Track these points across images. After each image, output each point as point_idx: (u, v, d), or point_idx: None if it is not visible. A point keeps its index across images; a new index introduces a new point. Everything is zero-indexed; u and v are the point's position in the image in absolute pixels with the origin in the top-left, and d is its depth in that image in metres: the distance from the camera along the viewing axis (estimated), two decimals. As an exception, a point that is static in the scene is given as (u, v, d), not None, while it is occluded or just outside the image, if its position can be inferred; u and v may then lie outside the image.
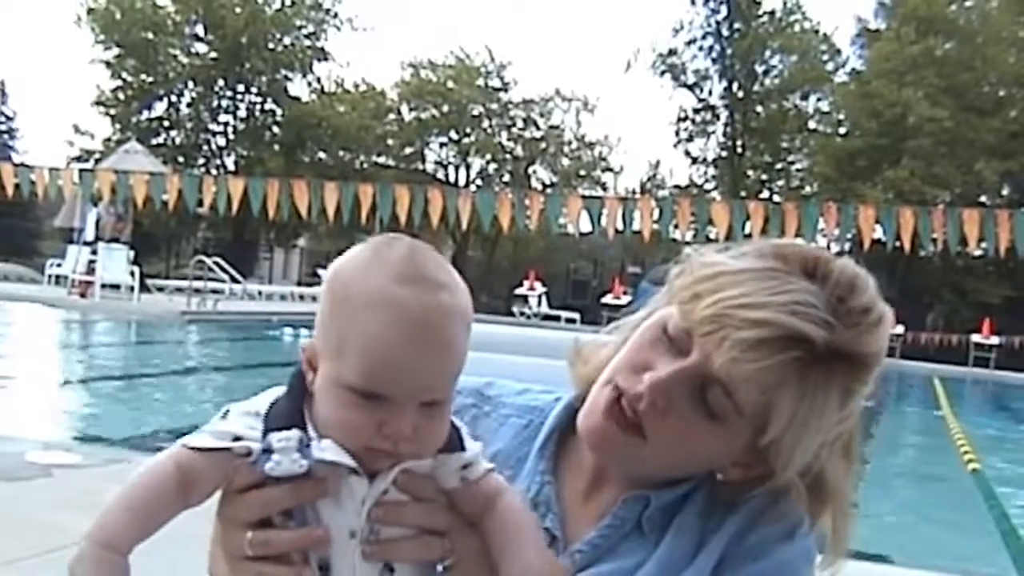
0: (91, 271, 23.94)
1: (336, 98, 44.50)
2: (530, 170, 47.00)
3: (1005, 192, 36.86)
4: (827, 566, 1.18)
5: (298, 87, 44.70)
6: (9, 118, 49.21)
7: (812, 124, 42.87)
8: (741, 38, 41.98)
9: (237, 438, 1.02)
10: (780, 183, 43.14)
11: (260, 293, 30.75)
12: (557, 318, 32.19)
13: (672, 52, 43.12)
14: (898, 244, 17.34)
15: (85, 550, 0.98)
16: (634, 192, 43.57)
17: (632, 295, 29.73)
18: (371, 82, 46.14)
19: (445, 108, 45.08)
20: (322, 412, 1.03)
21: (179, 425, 9.01)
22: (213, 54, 42.19)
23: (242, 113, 44.30)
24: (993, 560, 6.51)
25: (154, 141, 40.08)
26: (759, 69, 42.83)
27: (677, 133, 44.11)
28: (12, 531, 4.55)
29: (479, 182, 45.59)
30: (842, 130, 40.51)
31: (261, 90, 43.69)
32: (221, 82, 42.84)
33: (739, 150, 43.09)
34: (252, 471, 1.01)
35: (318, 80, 44.82)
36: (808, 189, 40.72)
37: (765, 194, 40.91)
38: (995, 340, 28.86)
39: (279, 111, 44.15)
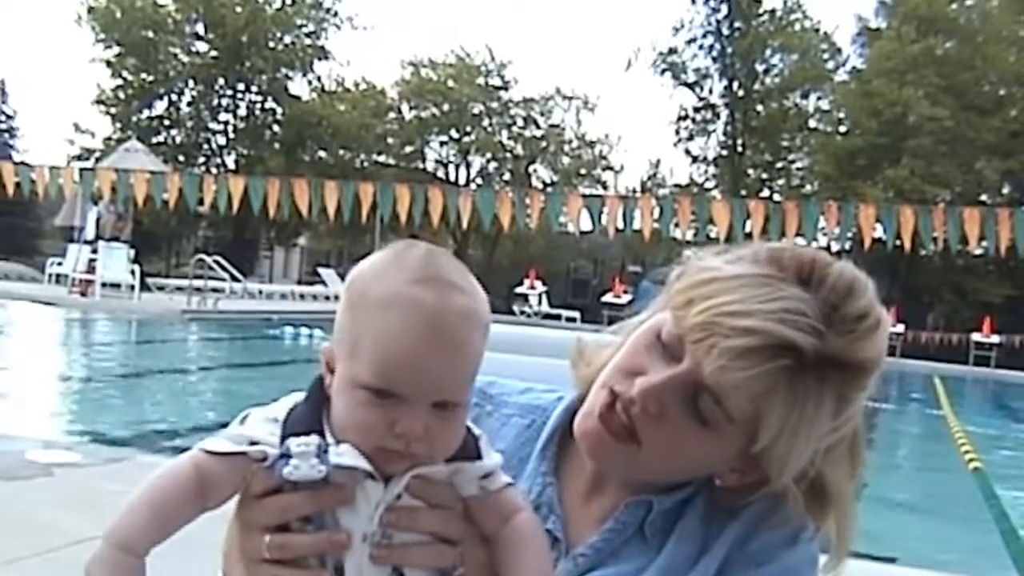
0: (91, 270, 23.94)
1: (336, 97, 44.52)
2: (530, 169, 47.02)
3: (1005, 191, 36.86)
4: (830, 569, 1.18)
5: (298, 86, 44.82)
6: (10, 117, 49.25)
7: (812, 123, 42.87)
8: (741, 37, 41.97)
9: (254, 443, 1.03)
10: (780, 182, 43.16)
11: (260, 292, 30.76)
12: (558, 317, 32.20)
13: (672, 51, 43.14)
14: (898, 243, 17.35)
15: (102, 552, 0.99)
16: (634, 191, 43.57)
17: (632, 294, 29.74)
18: (371, 81, 46.25)
19: (445, 107, 45.09)
20: (337, 413, 1.03)
21: (180, 424, 9.01)
22: (213, 53, 42.19)
23: (242, 112, 44.34)
24: (993, 559, 6.51)
25: (154, 140, 40.10)
26: (759, 68, 42.83)
27: (677, 132, 44.15)
28: (12, 530, 4.54)
29: (479, 181, 45.60)
30: (842, 129, 40.50)
31: (261, 89, 43.71)
32: (221, 81, 42.85)
33: (739, 149, 43.08)
34: (270, 476, 1.02)
35: (318, 79, 44.88)
36: (808, 188, 40.74)
37: (765, 193, 40.92)
38: (995, 339, 28.88)
39: (279, 110, 44.17)
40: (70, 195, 22.51)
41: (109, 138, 40.99)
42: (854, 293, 1.09)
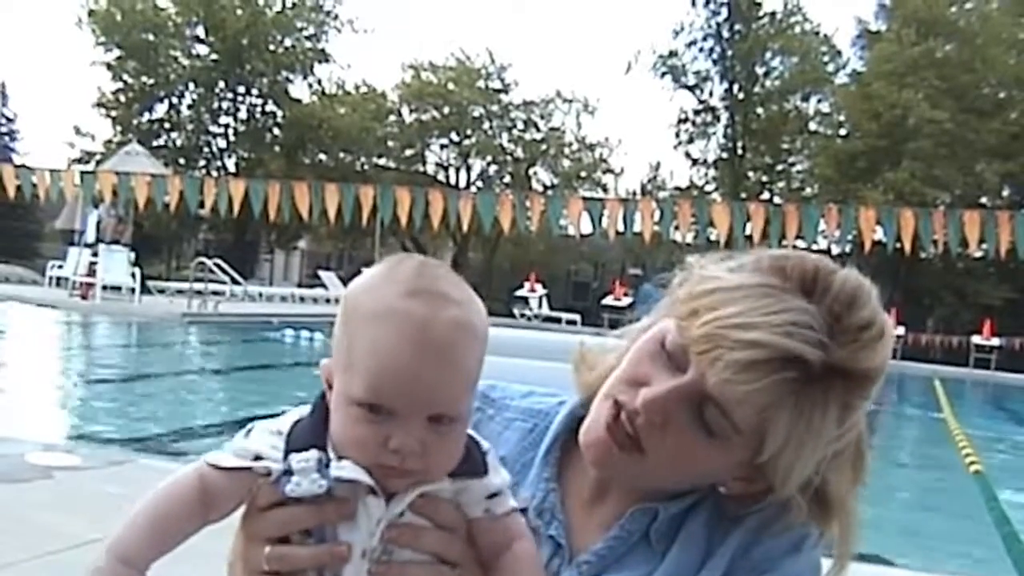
0: (92, 273, 23.93)
1: (337, 100, 44.52)
2: (531, 172, 47.02)
3: (1005, 193, 36.84)
4: (833, 575, 1.18)
5: (299, 89, 44.81)
6: (10, 120, 49.25)
7: (812, 126, 42.87)
8: (741, 40, 41.99)
9: (258, 457, 1.02)
10: (781, 185, 43.13)
11: (261, 295, 30.78)
12: (558, 320, 32.19)
13: (672, 54, 43.16)
14: (899, 246, 17.35)
15: (104, 564, 0.99)
16: (635, 194, 43.59)
17: (633, 297, 29.74)
18: (372, 84, 46.20)
19: (446, 110, 45.11)
20: (335, 430, 1.03)
21: (180, 427, 9.00)
22: (214, 56, 42.20)
23: (243, 115, 44.35)
24: (994, 561, 6.51)
25: (155, 143, 40.11)
26: (759, 71, 42.84)
27: (677, 135, 44.15)
28: (12, 533, 4.54)
29: (480, 184, 45.62)
30: (842, 132, 40.48)
31: (262, 92, 43.72)
32: (222, 84, 42.86)
33: (740, 152, 43.08)
34: (273, 490, 1.02)
35: (319, 82, 44.88)
36: (809, 191, 40.72)
37: (766, 196, 40.91)
38: (996, 341, 28.87)
39: (280, 113, 44.18)
40: (71, 198, 22.53)
41: (109, 141, 41.01)
42: (857, 302, 1.09)
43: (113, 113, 42.25)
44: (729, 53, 42.44)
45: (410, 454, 0.98)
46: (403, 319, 0.98)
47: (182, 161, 41.51)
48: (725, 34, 42.58)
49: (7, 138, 48.52)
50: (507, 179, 46.27)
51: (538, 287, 34.03)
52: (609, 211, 17.38)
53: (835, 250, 17.87)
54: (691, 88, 43.65)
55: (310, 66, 44.12)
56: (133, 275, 24.42)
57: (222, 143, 44.46)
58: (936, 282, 35.15)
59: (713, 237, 18.52)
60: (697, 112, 43.90)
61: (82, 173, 22.49)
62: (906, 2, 36.72)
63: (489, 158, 46.70)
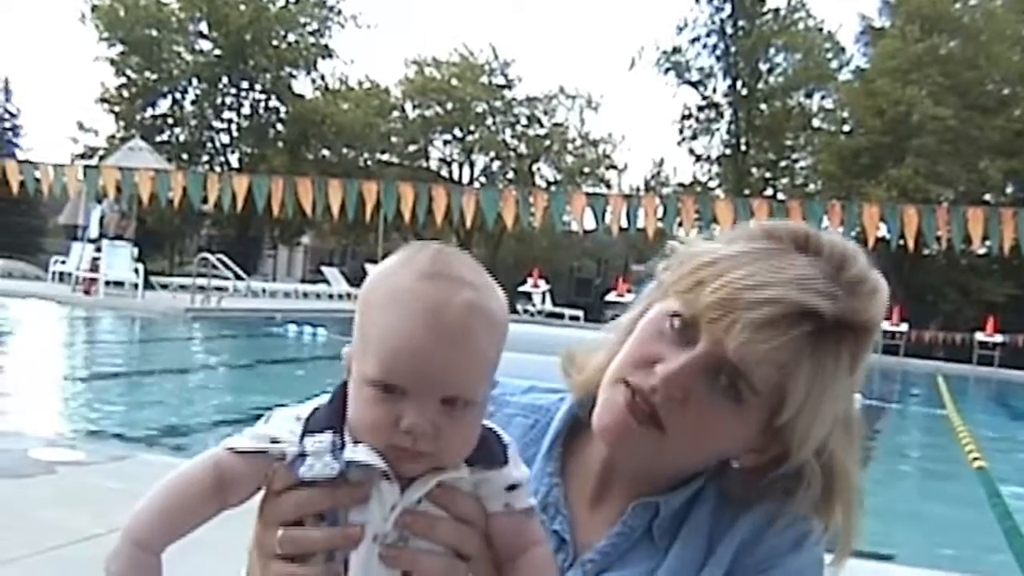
0: (95, 268, 23.97)
1: (340, 95, 44.54)
2: (534, 168, 47.02)
3: (1009, 190, 36.77)
4: (835, 563, 1.18)
5: (302, 84, 44.88)
6: (13, 115, 49.32)
7: (816, 122, 42.85)
8: (745, 36, 41.96)
9: (275, 441, 1.03)
10: (784, 181, 43.13)
11: (264, 290, 30.78)
12: (561, 316, 32.17)
13: (676, 50, 43.17)
14: (902, 242, 17.33)
15: (120, 548, 0.99)
16: (638, 190, 43.62)
17: (636, 293, 29.66)
18: (375, 79, 46.33)
19: (449, 105, 45.11)
20: (351, 413, 1.03)
21: (183, 422, 9.01)
22: (217, 51, 42.24)
23: (246, 110, 44.38)
24: (996, 558, 6.50)
25: (158, 138, 40.18)
26: (763, 67, 42.82)
27: (681, 131, 44.17)
28: (15, 528, 4.55)
29: (483, 179, 45.65)
30: (846, 128, 40.45)
31: (265, 87, 43.75)
32: (225, 79, 42.90)
33: (743, 148, 43.06)
34: (289, 474, 1.02)
35: (322, 77, 44.93)
36: (812, 187, 40.71)
37: (769, 192, 40.93)
38: (999, 338, 28.86)
39: (283, 108, 44.21)
40: (74, 193, 22.54)
41: (113, 136, 41.10)
42: (849, 258, 1.13)
43: (116, 108, 42.31)
44: (733, 49, 42.41)
45: (422, 435, 0.98)
46: (417, 300, 0.99)
47: (185, 157, 41.56)
48: (729, 30, 42.56)
49: (11, 133, 48.58)
50: (510, 175, 46.28)
51: (541, 283, 34.02)
52: (612, 207, 17.39)
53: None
54: (695, 84, 43.67)
55: (313, 62, 44.14)
56: (136, 271, 24.43)
57: (225, 139, 44.54)
58: (940, 279, 35.11)
59: (716, 233, 18.50)
60: (701, 108, 43.94)
61: (85, 168, 22.56)
62: (910, -2, 36.69)
63: (492, 154, 46.70)
